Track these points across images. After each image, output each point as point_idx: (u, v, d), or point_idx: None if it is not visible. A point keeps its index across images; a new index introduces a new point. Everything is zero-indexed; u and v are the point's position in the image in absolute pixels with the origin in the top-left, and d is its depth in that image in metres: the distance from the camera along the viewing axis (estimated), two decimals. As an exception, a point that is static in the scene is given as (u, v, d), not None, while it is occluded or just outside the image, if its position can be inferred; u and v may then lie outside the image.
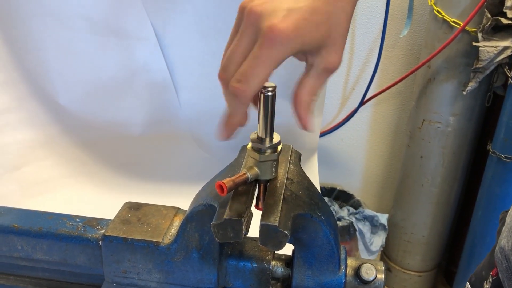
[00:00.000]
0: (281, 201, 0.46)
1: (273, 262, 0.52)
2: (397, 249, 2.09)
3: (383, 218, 1.92)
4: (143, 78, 1.06)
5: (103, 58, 1.04)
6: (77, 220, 0.58)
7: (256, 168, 0.48)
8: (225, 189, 0.46)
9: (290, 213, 0.46)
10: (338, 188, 2.11)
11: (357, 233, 1.88)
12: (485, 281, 0.78)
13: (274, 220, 0.43)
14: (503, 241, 0.72)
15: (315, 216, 0.48)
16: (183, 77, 1.07)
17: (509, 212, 0.78)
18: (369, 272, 0.50)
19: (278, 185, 0.48)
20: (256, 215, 0.48)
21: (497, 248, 0.75)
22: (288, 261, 0.53)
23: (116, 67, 1.05)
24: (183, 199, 0.61)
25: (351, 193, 2.09)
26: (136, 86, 1.07)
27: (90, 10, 0.99)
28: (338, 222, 1.89)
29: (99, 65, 1.05)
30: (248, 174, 0.48)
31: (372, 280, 0.50)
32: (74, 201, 1.05)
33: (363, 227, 1.89)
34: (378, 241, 1.91)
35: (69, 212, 0.60)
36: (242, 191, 0.47)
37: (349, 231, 1.87)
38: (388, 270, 2.14)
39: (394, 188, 2.05)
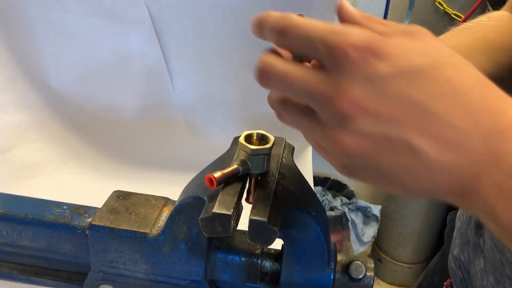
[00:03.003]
0: (271, 196, 0.45)
1: (262, 257, 0.52)
2: (389, 241, 2.10)
3: (376, 209, 1.92)
4: (137, 62, 1.04)
5: (96, 40, 1.02)
6: (64, 207, 0.57)
7: (247, 161, 0.47)
8: (214, 182, 0.45)
9: (280, 208, 0.45)
10: (332, 177, 2.10)
11: (349, 223, 1.89)
12: None
13: (264, 215, 0.42)
14: (456, 250, 0.69)
15: (306, 212, 0.47)
16: (178, 62, 1.05)
17: (458, 215, 0.75)
18: (359, 270, 0.50)
19: (269, 180, 0.47)
20: (247, 208, 0.47)
21: (450, 257, 0.72)
22: (277, 256, 0.52)
23: (109, 50, 1.03)
24: (175, 187, 0.60)
25: (345, 183, 2.09)
26: (130, 70, 1.05)
27: (84, -9, 0.97)
28: (330, 212, 1.89)
29: (93, 48, 1.03)
30: (239, 167, 0.47)
31: (361, 278, 0.50)
32: (63, 186, 1.04)
33: (356, 218, 1.90)
34: (370, 232, 1.91)
35: (58, 197, 0.59)
36: (232, 185, 0.46)
37: (342, 221, 1.87)
38: (379, 261, 2.16)
39: (388, 180, 2.04)
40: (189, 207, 0.49)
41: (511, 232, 0.31)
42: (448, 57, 0.32)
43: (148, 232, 0.51)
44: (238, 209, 0.45)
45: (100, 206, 0.55)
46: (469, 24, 0.63)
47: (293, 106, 0.35)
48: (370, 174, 0.33)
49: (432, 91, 0.30)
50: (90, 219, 0.54)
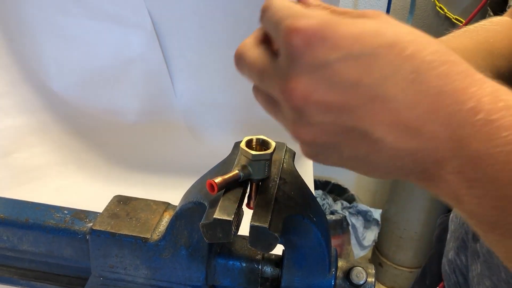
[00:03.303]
0: (272, 202, 0.45)
1: (262, 262, 0.52)
2: (389, 245, 2.09)
3: (376, 213, 1.92)
4: (138, 66, 1.05)
5: (98, 44, 1.03)
6: (65, 212, 0.57)
7: (248, 167, 0.47)
8: (215, 188, 0.45)
9: (281, 214, 0.45)
10: (332, 181, 2.10)
11: (350, 227, 1.88)
12: None
13: (265, 221, 0.42)
14: (451, 253, 0.69)
15: (307, 217, 0.47)
16: (179, 66, 1.05)
17: (451, 217, 0.74)
18: (360, 276, 0.50)
19: (270, 185, 0.47)
20: (247, 214, 0.47)
21: (444, 260, 0.72)
22: (278, 262, 0.52)
23: (111, 54, 1.04)
24: (175, 192, 0.60)
25: (345, 187, 2.09)
26: (131, 74, 1.06)
27: (86, -5, 0.98)
28: (331, 216, 1.89)
29: (94, 51, 1.03)
30: (240, 173, 0.47)
31: (362, 284, 0.50)
32: (64, 190, 1.04)
33: (356, 222, 1.89)
34: (370, 236, 1.91)
35: (58, 201, 0.59)
36: (233, 190, 0.46)
37: (342, 225, 1.87)
38: (379, 265, 2.15)
39: (389, 184, 2.05)
40: (190, 212, 0.49)
41: (474, 218, 0.30)
42: (406, 35, 0.28)
43: (149, 237, 0.51)
44: (239, 215, 0.45)
45: (100, 210, 0.55)
46: (471, 27, 0.63)
47: (262, 93, 0.34)
48: (333, 161, 0.33)
49: (385, 73, 0.27)
50: (91, 224, 0.54)
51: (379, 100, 0.28)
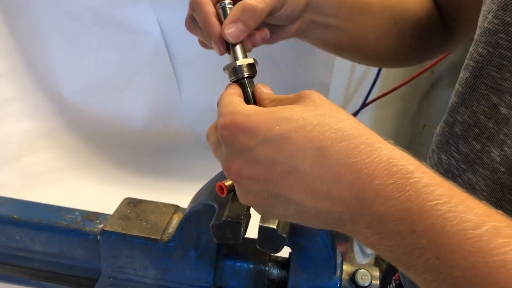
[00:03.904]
0: (280, 205, 0.46)
1: (269, 264, 0.53)
2: (393, 252, 2.09)
3: (379, 221, 1.92)
4: (146, 73, 1.06)
5: (107, 51, 1.04)
6: (76, 213, 0.58)
7: (256, 170, 0.48)
8: (225, 190, 0.46)
9: (288, 216, 0.46)
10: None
11: (353, 234, 1.88)
12: (388, 286, 0.78)
13: (273, 223, 0.44)
14: None
15: (313, 220, 0.48)
16: (187, 73, 1.07)
17: None
18: (364, 278, 0.51)
19: (278, 188, 0.48)
20: (255, 216, 0.48)
21: None
22: (284, 264, 0.53)
23: (120, 60, 1.05)
24: (182, 196, 0.61)
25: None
26: (139, 80, 1.07)
27: (96, 3, 0.99)
28: (334, 223, 1.89)
29: (103, 58, 1.05)
30: (249, 176, 0.48)
31: (367, 286, 0.51)
32: (73, 194, 1.05)
33: (360, 229, 1.89)
34: (373, 243, 1.91)
35: (68, 204, 0.60)
36: (242, 193, 0.48)
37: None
38: (382, 273, 2.15)
39: (392, 192, 2.04)
40: (199, 214, 0.50)
41: (390, 260, 0.36)
42: (313, 119, 0.36)
43: (159, 238, 0.52)
44: (247, 217, 0.47)
45: (110, 214, 0.56)
46: None
47: None
48: (278, 217, 0.41)
49: (295, 151, 0.35)
50: (102, 225, 0.55)
51: (293, 173, 0.35)
